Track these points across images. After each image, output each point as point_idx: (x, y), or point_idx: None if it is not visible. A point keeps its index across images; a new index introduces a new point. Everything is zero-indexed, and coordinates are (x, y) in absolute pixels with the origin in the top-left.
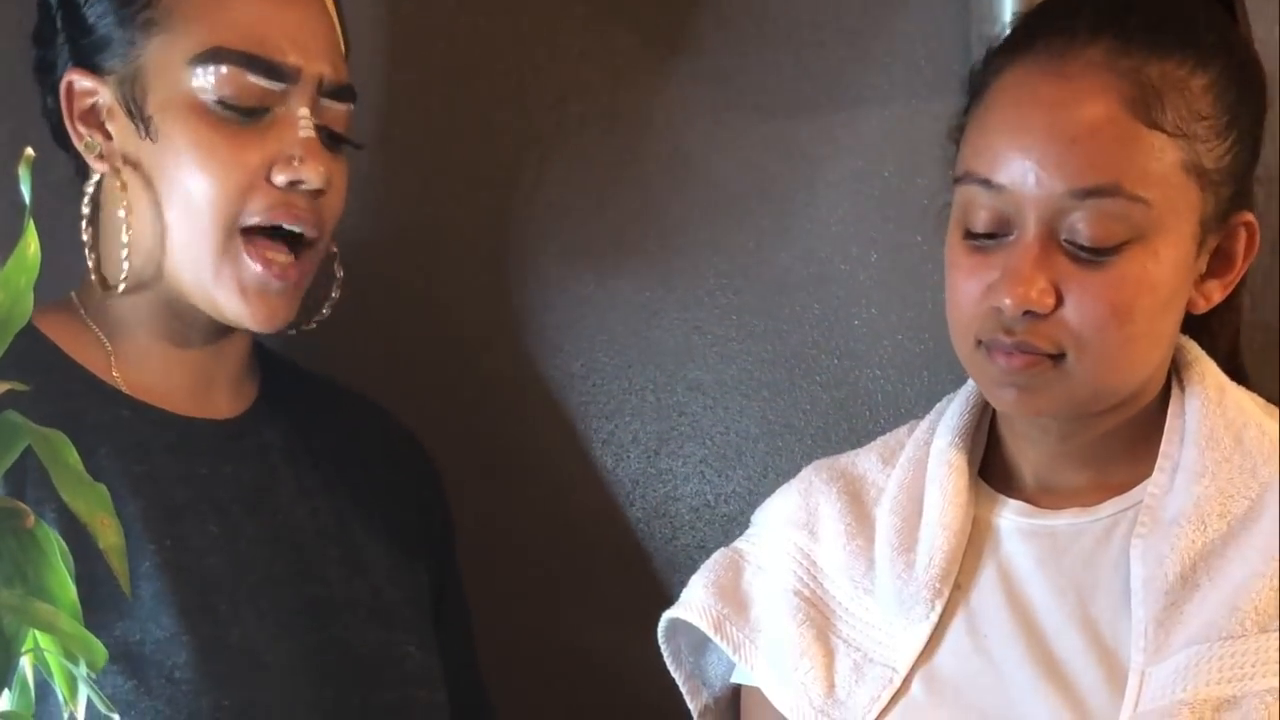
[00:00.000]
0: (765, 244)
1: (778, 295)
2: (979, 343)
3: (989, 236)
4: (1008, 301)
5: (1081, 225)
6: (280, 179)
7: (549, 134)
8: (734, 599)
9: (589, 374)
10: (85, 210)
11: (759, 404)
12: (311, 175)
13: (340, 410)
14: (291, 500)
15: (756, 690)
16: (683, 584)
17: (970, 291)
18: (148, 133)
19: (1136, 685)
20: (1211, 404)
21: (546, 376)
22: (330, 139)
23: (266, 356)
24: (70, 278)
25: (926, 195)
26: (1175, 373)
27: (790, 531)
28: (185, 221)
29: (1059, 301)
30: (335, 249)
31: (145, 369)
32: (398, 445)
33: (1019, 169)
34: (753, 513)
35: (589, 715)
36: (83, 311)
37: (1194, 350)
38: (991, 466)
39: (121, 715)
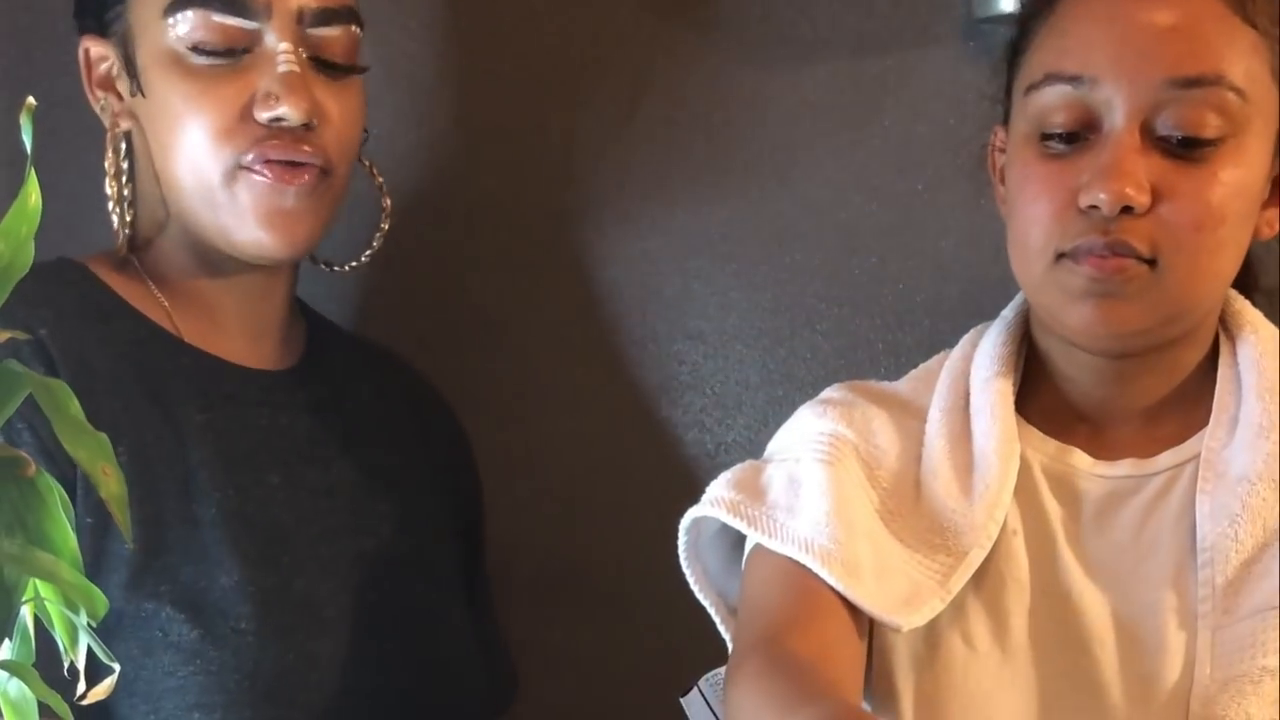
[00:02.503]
0: (766, 193)
1: (778, 244)
2: (1059, 256)
3: (1067, 141)
4: (1104, 197)
5: (1180, 117)
6: (261, 116)
7: (548, 85)
8: (752, 489)
9: (588, 323)
10: (114, 167)
11: (759, 353)
12: (290, 111)
13: (379, 371)
14: (343, 453)
15: (760, 555)
16: None
17: (1052, 200)
18: (139, 88)
19: (1208, 647)
20: (1269, 355)
21: (545, 326)
22: (327, 66)
23: (310, 315)
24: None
25: (927, 144)
26: (1222, 323)
27: (827, 425)
28: (184, 169)
29: (1153, 202)
30: (380, 179)
31: (196, 319)
32: (432, 408)
33: (1113, 60)
34: None
35: (592, 659)
36: (136, 263)
37: (1241, 300)
38: (1033, 408)
39: (186, 664)
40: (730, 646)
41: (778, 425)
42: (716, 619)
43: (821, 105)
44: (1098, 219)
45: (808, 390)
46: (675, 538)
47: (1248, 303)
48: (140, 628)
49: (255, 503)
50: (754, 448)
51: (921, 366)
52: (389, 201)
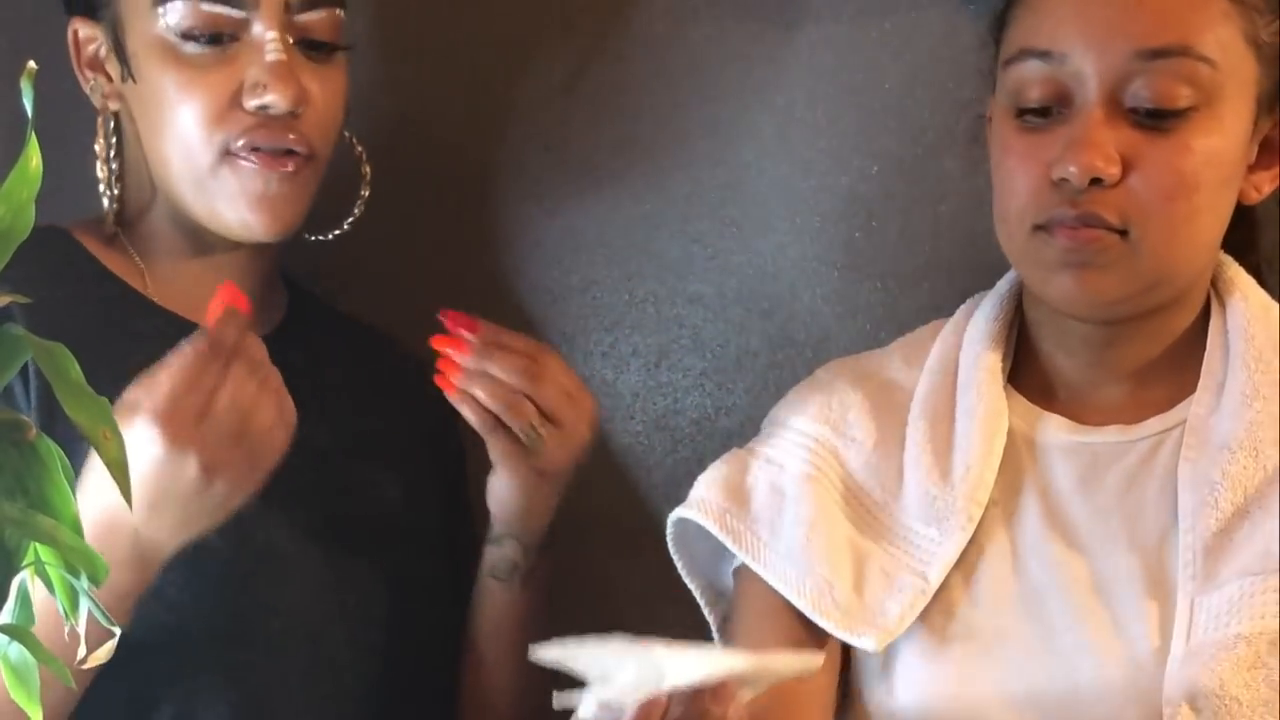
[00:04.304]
0: (766, 156)
1: (778, 208)
2: (1035, 228)
3: (1043, 114)
4: (1073, 169)
5: (1149, 88)
6: (249, 104)
7: (548, 44)
8: (738, 494)
9: (589, 286)
10: (104, 150)
11: (759, 317)
12: (278, 100)
13: (357, 342)
14: (317, 419)
15: (752, 577)
16: (683, 498)
17: (1028, 173)
18: (130, 73)
19: (1187, 614)
20: (1258, 323)
21: (546, 289)
22: (314, 49)
23: (293, 288)
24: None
25: (927, 108)
26: (1214, 289)
27: (808, 425)
28: (174, 153)
29: (1124, 172)
30: (360, 148)
31: (176, 285)
32: (412, 378)
33: (1082, 34)
34: (753, 425)
35: (589, 627)
36: (121, 235)
37: (1234, 266)
38: (1023, 378)
39: (156, 607)
40: (714, 630)
41: (779, 389)
42: (702, 603)
43: (821, 68)
44: (1069, 191)
45: (808, 354)
46: (673, 504)
47: (1240, 269)
48: None
49: None
50: (754, 411)
51: (913, 335)
52: (369, 169)
